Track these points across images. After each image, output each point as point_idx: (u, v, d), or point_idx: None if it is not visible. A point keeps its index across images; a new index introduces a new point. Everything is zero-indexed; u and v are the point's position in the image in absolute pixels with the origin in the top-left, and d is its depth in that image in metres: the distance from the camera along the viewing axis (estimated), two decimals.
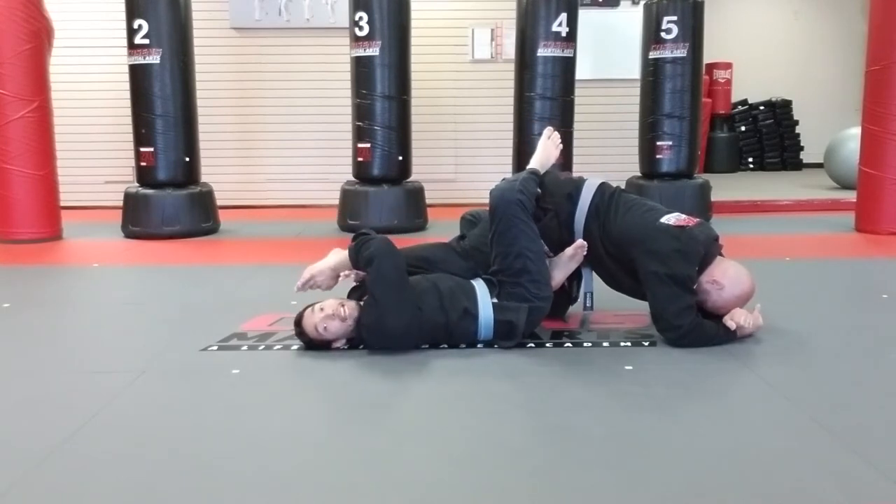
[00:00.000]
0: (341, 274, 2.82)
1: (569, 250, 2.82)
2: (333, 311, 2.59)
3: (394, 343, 2.61)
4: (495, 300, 2.65)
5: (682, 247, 2.65)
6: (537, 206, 2.78)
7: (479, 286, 2.68)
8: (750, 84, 11.20)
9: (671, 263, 2.63)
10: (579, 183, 2.89)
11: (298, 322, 2.65)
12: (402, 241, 2.98)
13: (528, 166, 2.97)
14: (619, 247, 2.78)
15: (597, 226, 2.80)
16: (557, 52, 5.59)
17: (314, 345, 2.65)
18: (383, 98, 5.56)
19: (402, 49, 5.61)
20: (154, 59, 5.38)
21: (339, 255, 2.80)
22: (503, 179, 2.87)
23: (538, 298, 2.66)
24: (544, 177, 2.90)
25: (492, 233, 2.69)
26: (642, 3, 6.03)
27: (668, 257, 2.64)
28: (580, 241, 2.80)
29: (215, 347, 2.75)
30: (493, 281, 2.69)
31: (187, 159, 5.57)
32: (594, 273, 2.97)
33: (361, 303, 2.67)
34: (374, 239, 2.64)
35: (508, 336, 2.65)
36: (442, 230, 5.12)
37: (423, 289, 2.63)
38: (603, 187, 2.87)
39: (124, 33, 5.48)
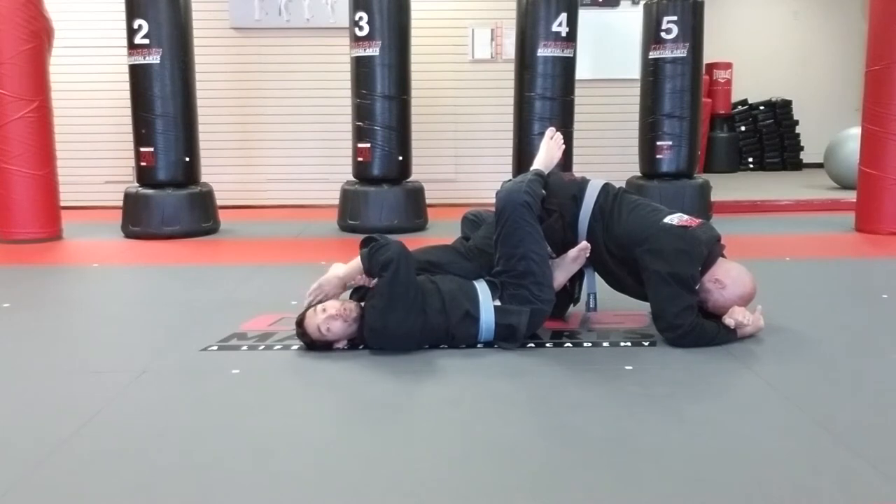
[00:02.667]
0: (350, 283, 2.81)
1: (572, 252, 2.82)
2: (336, 312, 2.60)
3: (396, 344, 2.61)
4: (497, 302, 2.65)
5: (685, 246, 2.65)
6: (542, 208, 2.78)
7: (482, 288, 2.68)
8: (750, 84, 11.20)
9: (674, 263, 2.63)
10: (583, 184, 2.89)
11: (300, 323, 2.65)
12: (404, 242, 2.98)
13: (532, 167, 2.97)
14: (622, 247, 2.78)
15: (600, 227, 2.80)
16: (557, 52, 5.59)
17: (315, 345, 2.65)
18: (383, 98, 5.56)
19: (402, 49, 5.61)
20: (154, 59, 5.38)
21: (343, 266, 2.79)
22: (508, 181, 2.87)
23: (541, 301, 2.66)
24: (548, 178, 2.90)
25: (497, 234, 2.69)
26: (642, 3, 6.03)
27: (671, 257, 2.64)
28: (584, 244, 2.80)
29: (215, 347, 2.75)
30: (496, 283, 2.68)
31: (187, 159, 5.56)
32: (596, 274, 2.97)
33: (362, 304, 2.67)
34: (390, 243, 2.63)
35: (509, 339, 2.65)
36: (442, 230, 5.13)
37: (426, 290, 2.63)
38: (606, 188, 2.88)
39: (124, 33, 5.48)
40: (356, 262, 2.72)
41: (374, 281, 2.65)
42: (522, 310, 2.63)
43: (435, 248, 2.95)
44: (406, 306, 2.56)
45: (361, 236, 2.82)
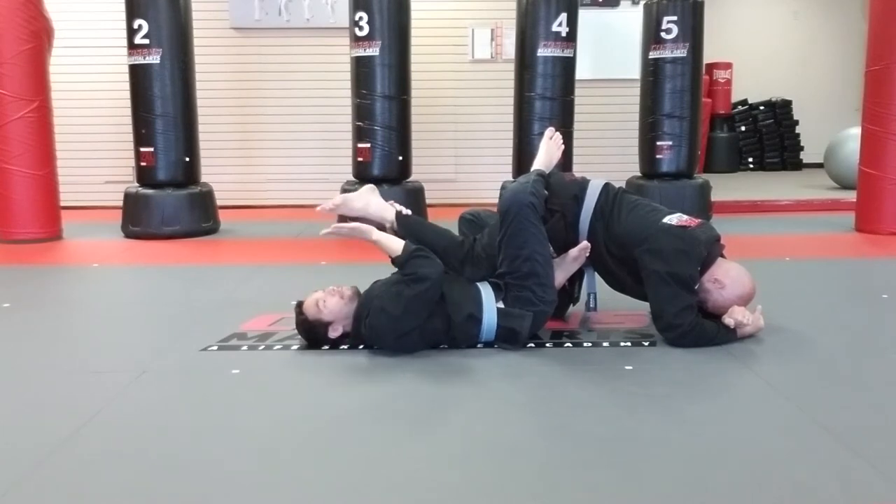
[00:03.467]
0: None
1: (573, 252, 2.82)
2: (333, 289, 2.63)
3: (393, 346, 2.61)
4: (500, 304, 2.65)
5: (684, 246, 2.65)
6: (545, 208, 2.77)
7: (485, 290, 2.68)
8: (750, 84, 11.20)
9: (673, 263, 2.63)
10: (584, 184, 2.88)
11: (300, 306, 2.67)
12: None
13: (533, 168, 2.97)
14: (622, 247, 2.78)
15: (601, 227, 2.80)
16: (557, 52, 5.59)
17: (313, 333, 2.66)
18: (383, 98, 5.56)
19: (402, 49, 5.60)
20: (154, 59, 5.38)
21: (388, 236, 2.75)
22: (512, 182, 2.85)
23: (543, 302, 2.66)
24: (549, 178, 2.89)
25: (502, 235, 2.68)
26: (642, 3, 6.03)
27: (670, 256, 2.64)
28: (584, 243, 2.80)
29: (215, 347, 2.75)
30: (500, 284, 2.68)
31: (187, 159, 5.57)
32: (596, 273, 2.97)
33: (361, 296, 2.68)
34: (436, 262, 2.61)
35: (510, 340, 2.65)
36: None
37: None
38: (607, 188, 2.88)
39: (124, 33, 5.48)
40: (394, 242, 2.68)
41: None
42: (525, 314, 2.63)
43: (446, 248, 2.84)
44: (415, 321, 2.57)
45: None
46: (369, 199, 2.87)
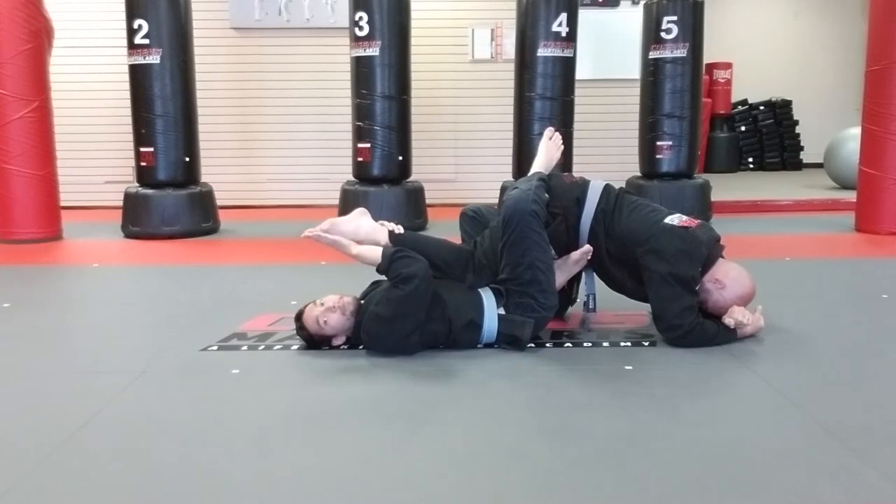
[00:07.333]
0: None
1: (575, 255, 2.82)
2: (334, 305, 2.62)
3: (392, 350, 2.61)
4: (501, 311, 2.65)
5: (686, 247, 2.66)
6: (546, 213, 2.76)
7: (487, 296, 2.68)
8: (750, 84, 11.20)
9: (675, 263, 2.63)
10: (584, 186, 2.87)
11: (299, 317, 2.67)
12: None
13: (532, 169, 2.96)
14: (622, 247, 2.78)
15: (601, 228, 2.80)
16: (557, 52, 5.60)
17: (313, 341, 2.66)
18: (383, 98, 5.56)
19: (402, 49, 5.61)
20: (154, 59, 5.38)
21: (364, 235, 2.76)
22: (512, 182, 2.84)
23: (544, 308, 2.67)
24: (550, 180, 2.88)
25: (504, 242, 2.67)
26: (642, 3, 6.03)
27: (672, 257, 2.64)
28: (587, 247, 2.80)
29: (215, 347, 2.75)
30: (501, 291, 2.68)
31: (187, 159, 5.57)
32: (595, 275, 2.97)
33: (362, 301, 2.68)
34: (418, 258, 2.60)
35: (512, 344, 2.65)
36: (442, 230, 5.11)
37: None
38: (608, 189, 2.87)
39: (124, 33, 5.48)
40: (374, 252, 2.67)
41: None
42: (527, 321, 2.62)
43: (447, 252, 2.84)
44: (411, 322, 2.56)
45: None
46: (360, 223, 2.82)
